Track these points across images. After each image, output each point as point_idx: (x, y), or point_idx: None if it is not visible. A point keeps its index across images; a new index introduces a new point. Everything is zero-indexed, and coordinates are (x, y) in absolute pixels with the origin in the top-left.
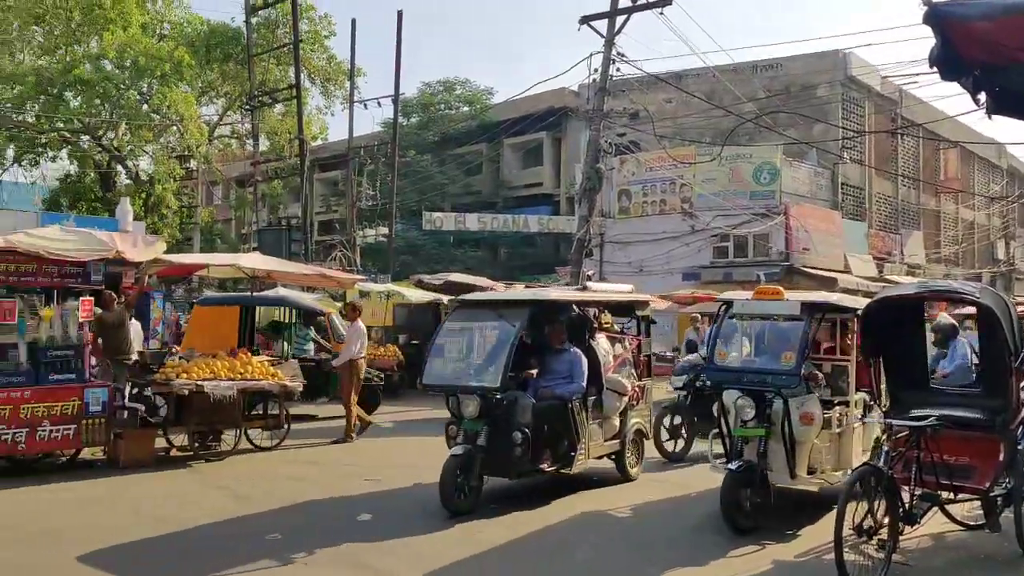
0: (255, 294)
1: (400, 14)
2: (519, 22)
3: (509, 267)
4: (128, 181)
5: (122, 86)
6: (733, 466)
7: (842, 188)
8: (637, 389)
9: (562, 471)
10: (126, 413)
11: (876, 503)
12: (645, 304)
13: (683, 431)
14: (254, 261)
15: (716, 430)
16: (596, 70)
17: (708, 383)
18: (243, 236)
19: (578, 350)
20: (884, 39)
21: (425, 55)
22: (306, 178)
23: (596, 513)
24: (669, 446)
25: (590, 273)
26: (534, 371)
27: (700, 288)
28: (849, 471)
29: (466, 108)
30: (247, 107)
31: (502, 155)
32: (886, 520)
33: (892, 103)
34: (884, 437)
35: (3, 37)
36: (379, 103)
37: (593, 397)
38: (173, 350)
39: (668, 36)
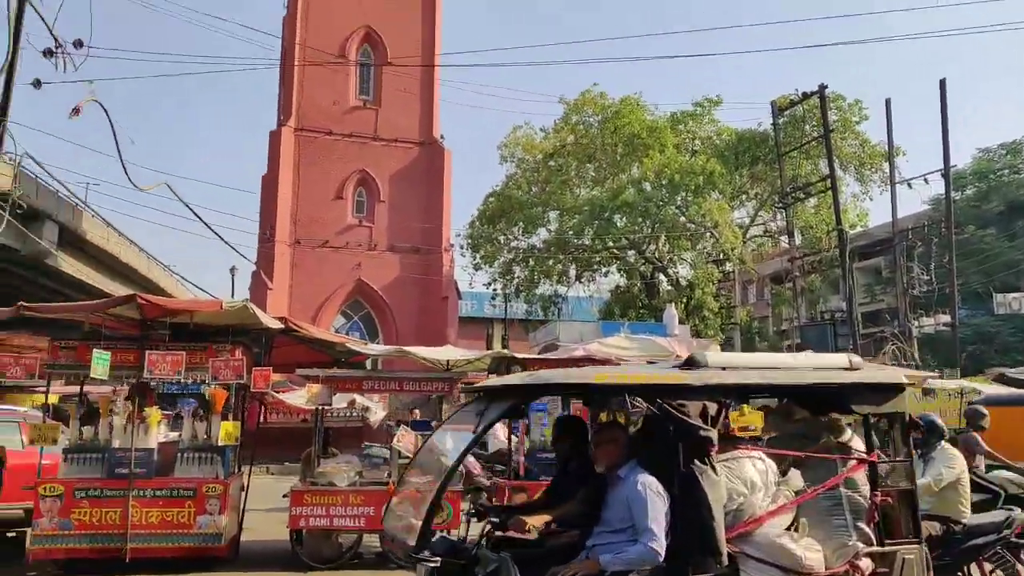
0: None
1: (943, 83)
2: None
3: None
4: (669, 288)
5: (660, 203)
6: None
7: None
8: (859, 564)
9: None
10: None
11: None
12: (888, 391)
13: None
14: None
15: None
16: None
17: None
18: (782, 333)
19: (647, 480)
20: None
21: (976, 119)
22: (847, 269)
23: None
24: None
25: None
26: (533, 521)
27: None
28: None
29: None
30: (779, 204)
31: None
32: None
33: None
34: None
35: (564, 178)
36: (925, 180)
37: None
38: None
39: None
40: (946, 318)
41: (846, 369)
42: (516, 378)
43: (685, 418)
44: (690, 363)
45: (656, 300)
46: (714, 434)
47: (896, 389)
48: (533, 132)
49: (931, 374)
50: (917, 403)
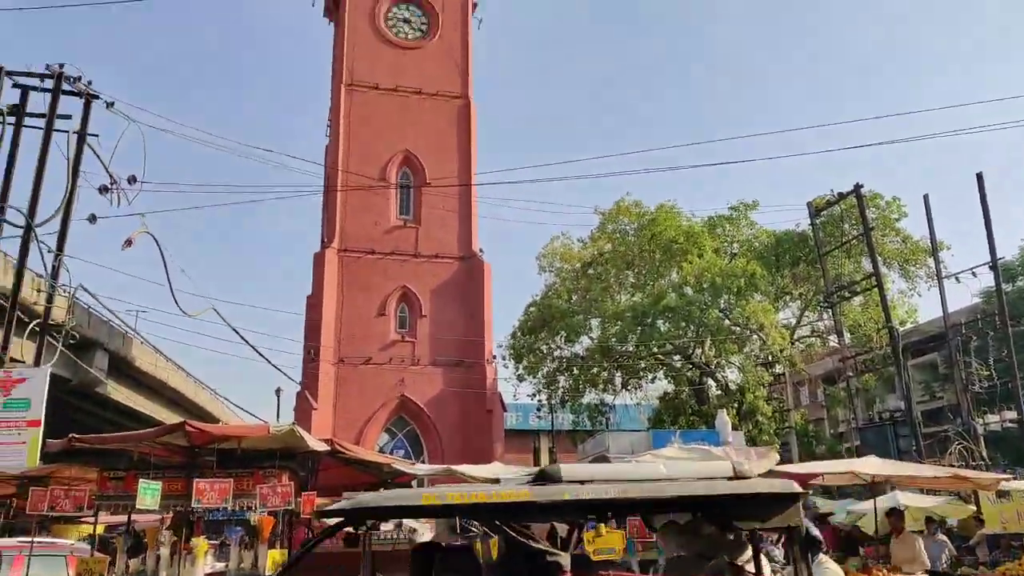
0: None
1: (980, 176)
2: None
3: None
4: (719, 392)
5: (703, 307)
6: None
7: None
8: None
9: None
10: None
11: None
12: (778, 503)
13: None
14: (871, 466)
15: None
16: None
17: None
18: (840, 436)
19: None
20: None
21: (1018, 210)
22: (902, 367)
23: None
24: None
25: None
26: None
27: None
28: None
29: None
30: (824, 304)
31: None
32: None
33: None
34: None
35: (604, 285)
36: (973, 273)
37: None
38: None
39: None
40: (1012, 414)
41: (730, 478)
42: (346, 503)
43: (528, 541)
44: (542, 477)
45: (706, 406)
46: (565, 559)
47: (789, 499)
48: (570, 242)
49: (1004, 476)
50: (992, 506)
